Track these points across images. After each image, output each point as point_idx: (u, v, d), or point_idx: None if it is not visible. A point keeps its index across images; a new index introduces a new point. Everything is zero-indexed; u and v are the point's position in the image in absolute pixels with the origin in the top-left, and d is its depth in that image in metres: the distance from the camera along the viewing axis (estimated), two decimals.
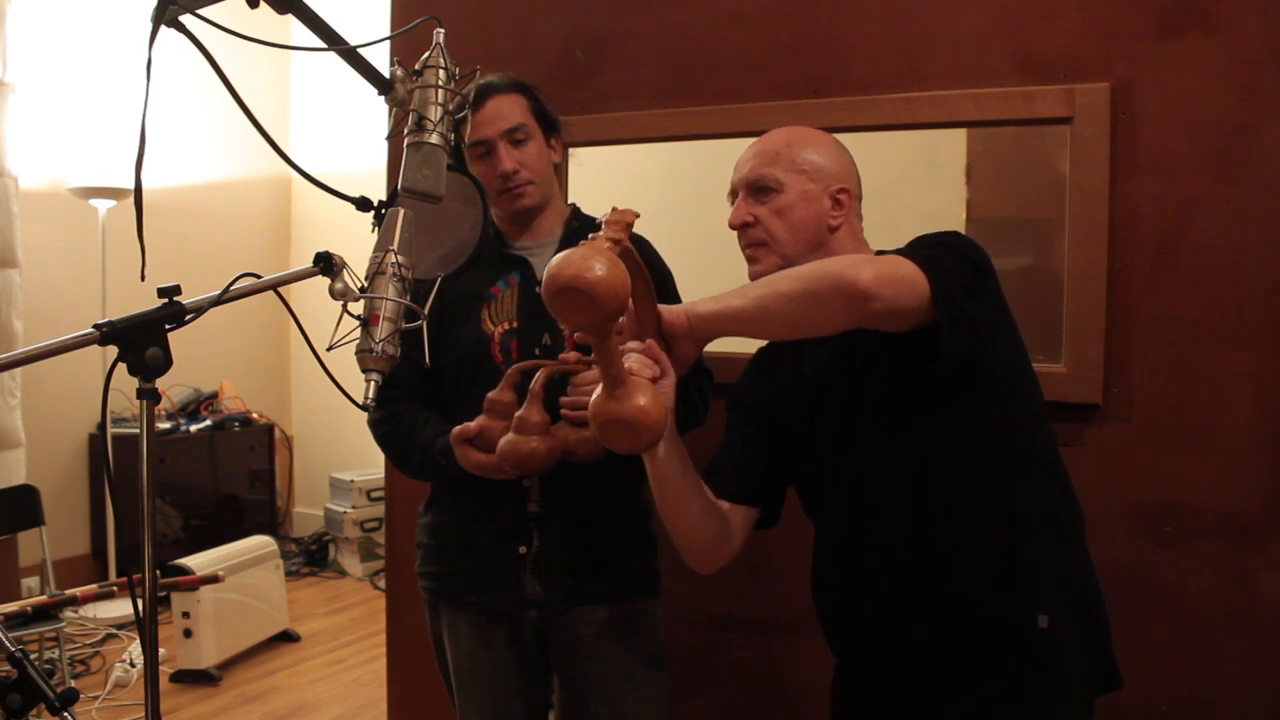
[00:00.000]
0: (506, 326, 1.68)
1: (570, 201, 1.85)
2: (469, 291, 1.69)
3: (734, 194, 1.44)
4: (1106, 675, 1.32)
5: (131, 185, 3.68)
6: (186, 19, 1.07)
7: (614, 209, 1.16)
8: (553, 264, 1.03)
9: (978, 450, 1.27)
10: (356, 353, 1.12)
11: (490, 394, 1.53)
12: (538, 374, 1.49)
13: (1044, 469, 1.32)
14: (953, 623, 1.28)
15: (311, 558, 4.91)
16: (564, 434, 1.50)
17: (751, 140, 1.47)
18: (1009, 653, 1.26)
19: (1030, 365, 1.35)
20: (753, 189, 1.40)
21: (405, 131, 1.19)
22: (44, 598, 2.45)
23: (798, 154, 1.39)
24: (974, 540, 1.27)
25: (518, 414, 1.48)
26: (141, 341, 1.05)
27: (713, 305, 1.19)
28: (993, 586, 1.27)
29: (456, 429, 1.55)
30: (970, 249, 1.27)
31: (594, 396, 1.15)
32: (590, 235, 1.11)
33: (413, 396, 1.71)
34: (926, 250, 1.21)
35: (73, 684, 3.21)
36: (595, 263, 1.01)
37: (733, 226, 1.42)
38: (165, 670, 3.42)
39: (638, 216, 1.17)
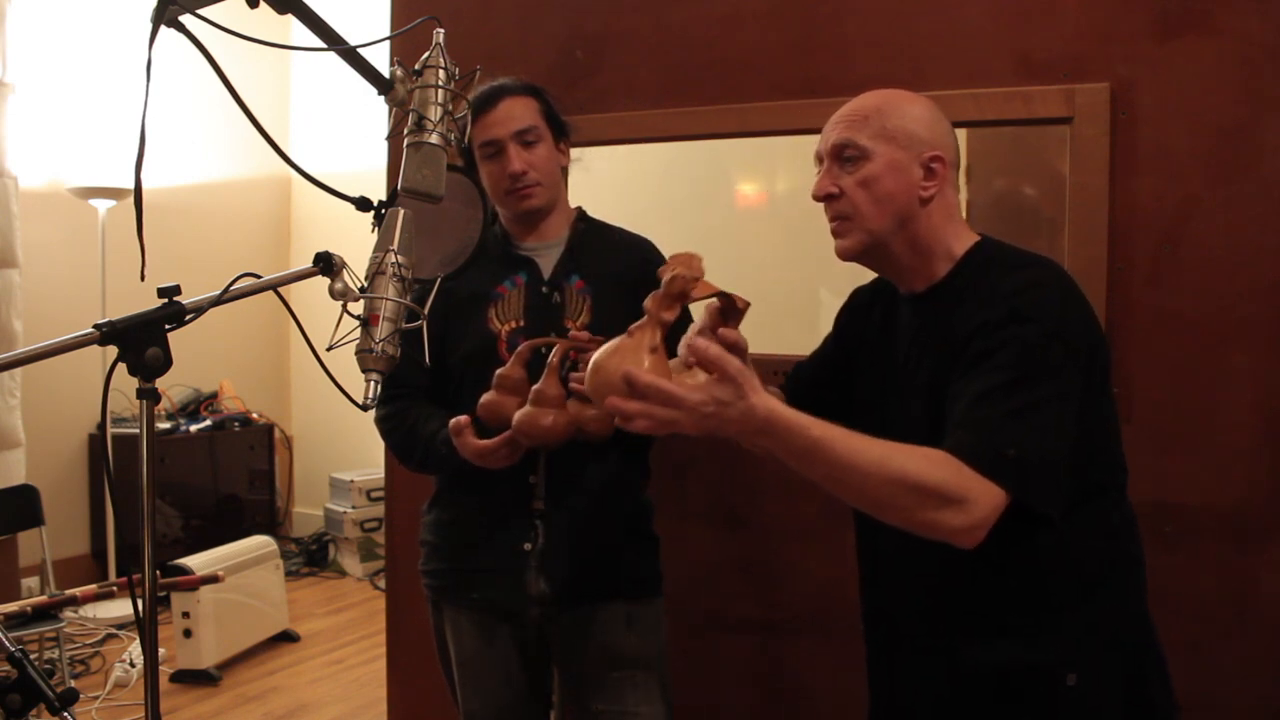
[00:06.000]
0: (513, 325, 1.69)
1: (576, 205, 1.85)
2: (475, 291, 1.70)
3: (819, 160, 1.32)
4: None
5: (131, 185, 3.68)
6: (186, 19, 1.07)
7: (670, 275, 1.14)
8: (591, 376, 1.11)
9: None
10: (356, 353, 1.12)
11: (500, 370, 1.56)
12: (554, 349, 1.51)
13: (1091, 514, 1.23)
14: (982, 671, 1.23)
15: (311, 558, 4.91)
16: (576, 409, 1.52)
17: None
18: (1034, 709, 1.22)
19: (1112, 421, 1.26)
20: (838, 156, 1.28)
21: (405, 131, 1.19)
22: (44, 598, 2.44)
23: (888, 118, 1.27)
24: (1001, 586, 1.22)
25: (535, 387, 1.51)
26: (141, 341, 1.05)
27: (794, 423, 1.04)
28: (1021, 637, 1.22)
29: (453, 421, 1.57)
30: (1065, 359, 1.15)
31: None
32: (644, 304, 1.13)
33: (419, 394, 1.72)
34: (1018, 424, 1.10)
35: (73, 684, 3.21)
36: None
37: (816, 198, 1.31)
38: (165, 670, 3.42)
39: (699, 278, 1.14)
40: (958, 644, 1.26)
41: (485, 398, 1.56)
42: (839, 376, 1.46)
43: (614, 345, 1.12)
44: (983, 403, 1.12)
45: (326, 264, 1.15)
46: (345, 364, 1.15)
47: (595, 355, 1.12)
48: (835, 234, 1.31)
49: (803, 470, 1.07)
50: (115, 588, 2.53)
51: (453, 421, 1.57)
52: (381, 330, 1.11)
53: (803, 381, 1.52)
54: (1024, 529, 1.14)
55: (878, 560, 1.38)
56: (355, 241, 1.52)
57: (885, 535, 1.31)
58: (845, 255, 1.31)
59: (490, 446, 1.53)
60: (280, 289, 1.18)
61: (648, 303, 1.14)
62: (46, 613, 2.73)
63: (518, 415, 1.51)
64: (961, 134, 1.96)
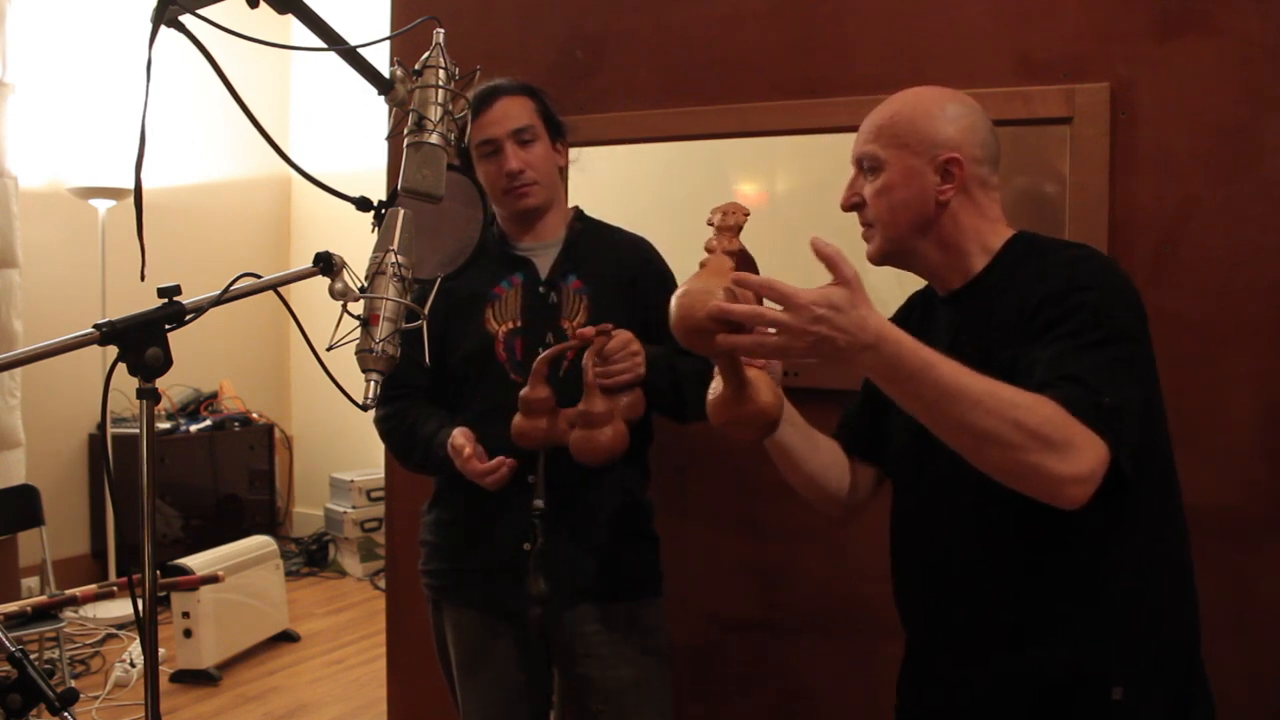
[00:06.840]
0: (510, 326, 1.69)
1: (572, 204, 1.85)
2: (474, 291, 1.71)
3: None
4: None
5: (131, 185, 3.68)
6: (186, 19, 1.07)
7: (721, 213, 1.16)
8: (681, 300, 1.06)
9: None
10: (356, 353, 1.12)
11: (524, 393, 1.58)
12: (585, 364, 1.53)
13: (1143, 517, 1.20)
14: (1025, 678, 1.20)
15: (311, 558, 4.91)
16: (616, 410, 1.54)
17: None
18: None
19: (1159, 410, 1.24)
20: (861, 167, 1.31)
21: (405, 131, 1.19)
22: (44, 598, 2.44)
23: (904, 124, 1.27)
24: (1047, 587, 1.19)
25: (581, 409, 1.53)
26: (141, 341, 1.05)
27: (904, 340, 1.03)
28: (1068, 641, 1.18)
29: (453, 444, 1.60)
30: (1131, 326, 1.15)
31: (714, 395, 1.20)
32: (706, 245, 1.13)
33: (419, 395, 1.74)
34: (1104, 377, 1.07)
35: (73, 684, 3.21)
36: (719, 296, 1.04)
37: (843, 208, 1.33)
38: (165, 670, 3.42)
39: (748, 215, 1.16)
40: (1002, 647, 1.21)
41: (516, 424, 1.59)
42: (885, 400, 1.43)
43: (694, 275, 1.11)
44: (1066, 360, 1.10)
45: (326, 264, 1.15)
46: (345, 364, 1.15)
47: (676, 291, 1.09)
48: (864, 239, 1.33)
49: (903, 396, 1.04)
50: (115, 588, 2.53)
51: (453, 444, 1.60)
52: (381, 330, 1.11)
53: (854, 422, 1.45)
54: (1082, 523, 1.12)
55: (919, 559, 1.33)
56: (355, 241, 1.52)
57: (930, 533, 1.30)
58: (873, 260, 1.32)
59: (490, 467, 1.57)
60: (280, 289, 1.18)
61: (707, 245, 1.16)
62: (46, 613, 2.73)
63: (575, 440, 1.54)
64: None
